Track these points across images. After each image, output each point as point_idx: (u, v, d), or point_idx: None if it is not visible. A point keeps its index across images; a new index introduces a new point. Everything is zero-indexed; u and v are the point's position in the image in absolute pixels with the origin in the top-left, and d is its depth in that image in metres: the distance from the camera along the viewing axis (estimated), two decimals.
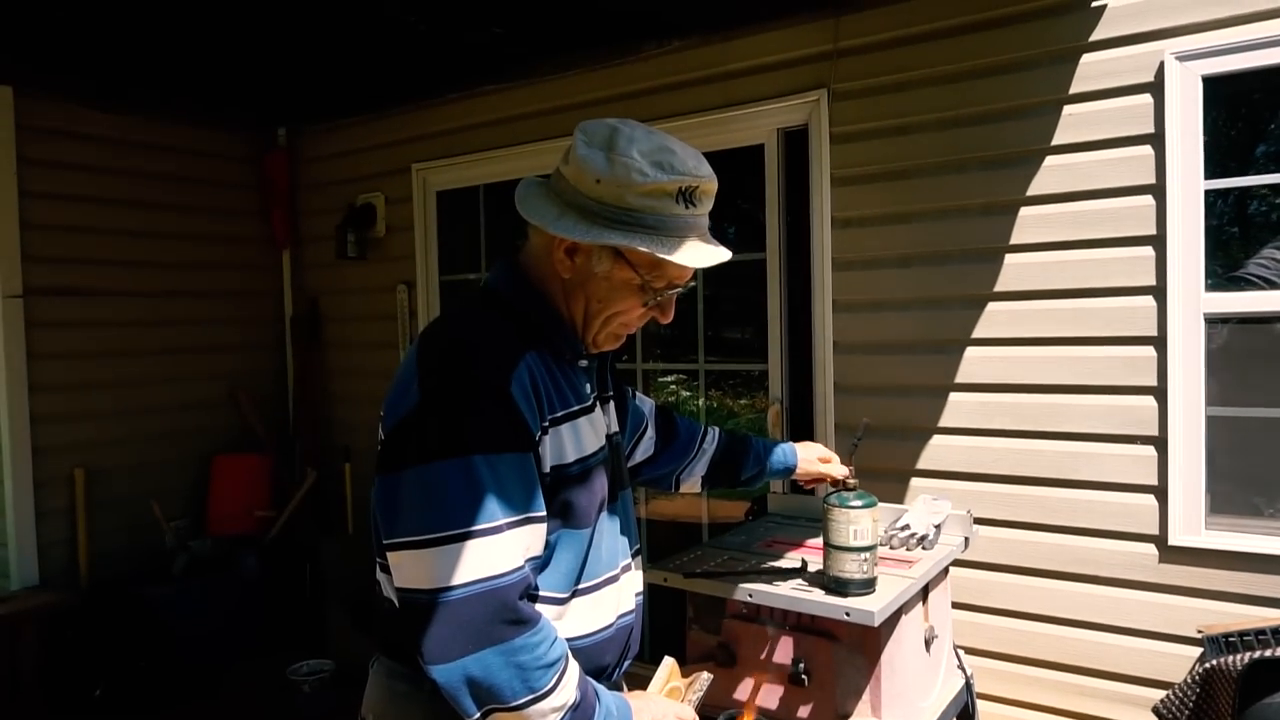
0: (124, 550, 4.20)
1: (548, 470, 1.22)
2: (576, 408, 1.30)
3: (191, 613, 3.89)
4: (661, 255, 1.21)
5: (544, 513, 1.20)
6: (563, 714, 1.14)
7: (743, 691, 2.02)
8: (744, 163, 3.31)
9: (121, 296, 4.28)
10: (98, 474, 4.16)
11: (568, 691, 1.15)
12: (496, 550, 1.12)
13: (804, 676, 1.94)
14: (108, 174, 4.21)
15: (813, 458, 1.94)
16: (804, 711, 1.96)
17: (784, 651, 1.98)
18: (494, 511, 1.12)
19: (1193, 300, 2.56)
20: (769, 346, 3.31)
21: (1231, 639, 2.39)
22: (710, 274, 1.34)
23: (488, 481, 1.12)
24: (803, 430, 3.25)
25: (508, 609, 1.12)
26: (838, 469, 1.90)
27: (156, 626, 3.75)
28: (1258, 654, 2.22)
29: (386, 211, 4.49)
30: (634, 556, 1.43)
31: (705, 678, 1.46)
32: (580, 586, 1.28)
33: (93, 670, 3.65)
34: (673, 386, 4.04)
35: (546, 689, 1.12)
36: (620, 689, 1.38)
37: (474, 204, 4.27)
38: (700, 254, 1.24)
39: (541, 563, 1.22)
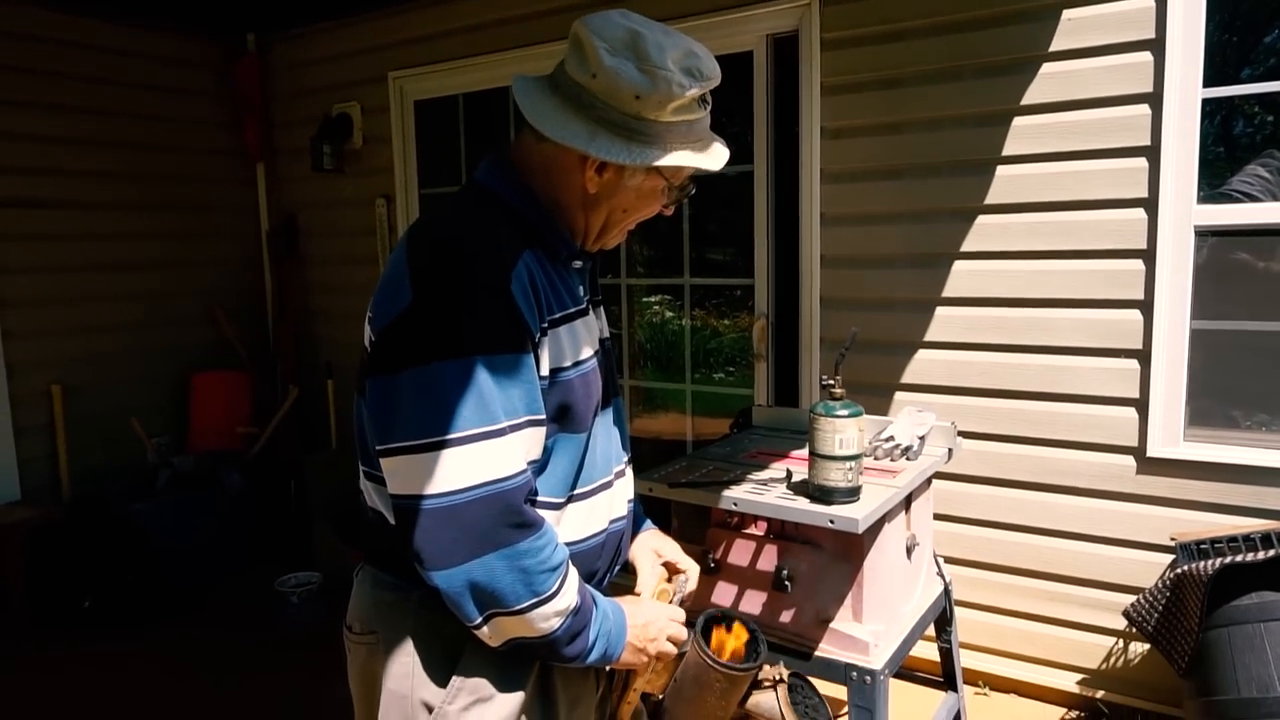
0: (105, 466, 4.18)
1: (546, 373, 1.18)
2: (573, 309, 1.26)
3: (176, 527, 3.90)
4: (704, 167, 1.22)
5: (544, 415, 1.16)
6: (564, 618, 1.13)
7: (725, 597, 2.06)
8: (733, 71, 3.21)
9: (91, 210, 4.17)
10: (75, 390, 4.12)
11: (569, 595, 1.14)
12: (499, 453, 1.09)
13: (787, 583, 1.97)
14: (67, 79, 4.04)
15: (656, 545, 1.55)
16: (787, 617, 1.99)
17: (768, 559, 2.01)
18: (496, 413, 1.09)
19: (1184, 212, 2.54)
20: (755, 261, 3.26)
21: (1203, 546, 2.44)
22: (696, 188, 1.31)
23: (488, 383, 1.08)
24: (789, 345, 3.24)
25: (512, 512, 1.10)
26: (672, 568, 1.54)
27: (141, 541, 3.76)
28: (1228, 559, 2.28)
29: (363, 122, 4.35)
30: (627, 463, 1.42)
31: (681, 578, 1.46)
32: (576, 492, 1.26)
33: (79, 584, 3.67)
34: (656, 307, 4.00)
35: (549, 593, 1.12)
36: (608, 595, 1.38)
37: (454, 114, 4.14)
38: (721, 153, 1.26)
39: (539, 467, 1.20)
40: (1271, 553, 2.23)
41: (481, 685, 1.19)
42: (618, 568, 1.41)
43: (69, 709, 3.02)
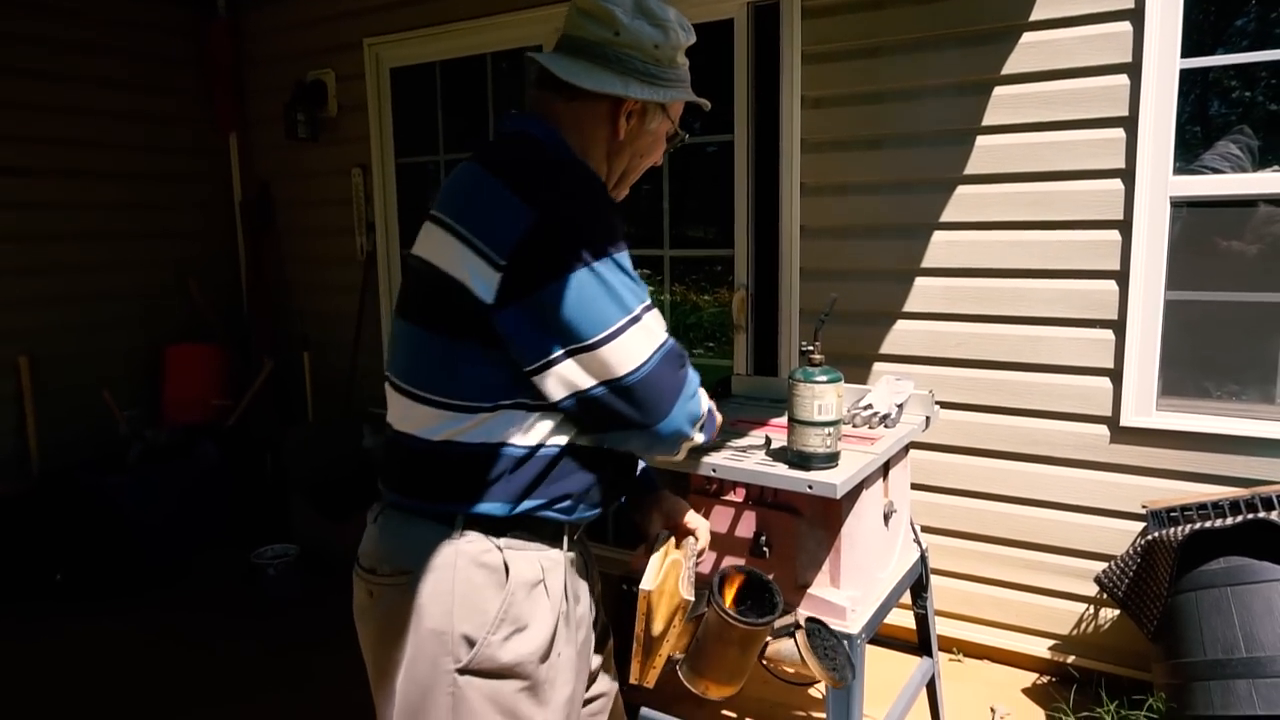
0: (76, 439, 4.13)
1: None
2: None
3: (149, 500, 3.86)
4: (702, 102, 1.47)
5: None
6: (704, 420, 1.35)
7: (703, 564, 2.06)
8: (713, 40, 3.18)
9: (58, 178, 4.08)
10: (44, 361, 4.05)
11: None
12: (654, 320, 1.28)
13: (765, 549, 1.98)
14: (31, 43, 3.94)
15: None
16: (780, 592, 2.00)
17: (746, 525, 2.01)
18: (640, 294, 1.27)
19: (1160, 183, 2.55)
20: (735, 232, 3.25)
21: (1174, 513, 2.48)
22: (677, 157, 1.52)
23: (628, 272, 1.26)
24: (768, 316, 3.24)
25: (680, 357, 1.31)
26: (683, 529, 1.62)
27: (114, 514, 3.72)
28: (1197, 526, 2.32)
29: (338, 90, 4.28)
30: None
31: (693, 542, 1.47)
32: None
33: (50, 558, 3.63)
34: None
35: (707, 408, 1.36)
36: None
37: (431, 83, 4.08)
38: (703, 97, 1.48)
39: None
40: (1240, 519, 2.27)
41: (520, 617, 1.28)
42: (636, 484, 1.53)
43: (45, 677, 2.99)
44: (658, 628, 1.37)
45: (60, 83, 4.06)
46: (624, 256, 1.26)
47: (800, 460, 1.84)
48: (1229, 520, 2.29)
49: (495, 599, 1.26)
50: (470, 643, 1.26)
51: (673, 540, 1.49)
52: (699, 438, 1.34)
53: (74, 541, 3.68)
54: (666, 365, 1.27)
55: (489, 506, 1.26)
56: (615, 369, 1.22)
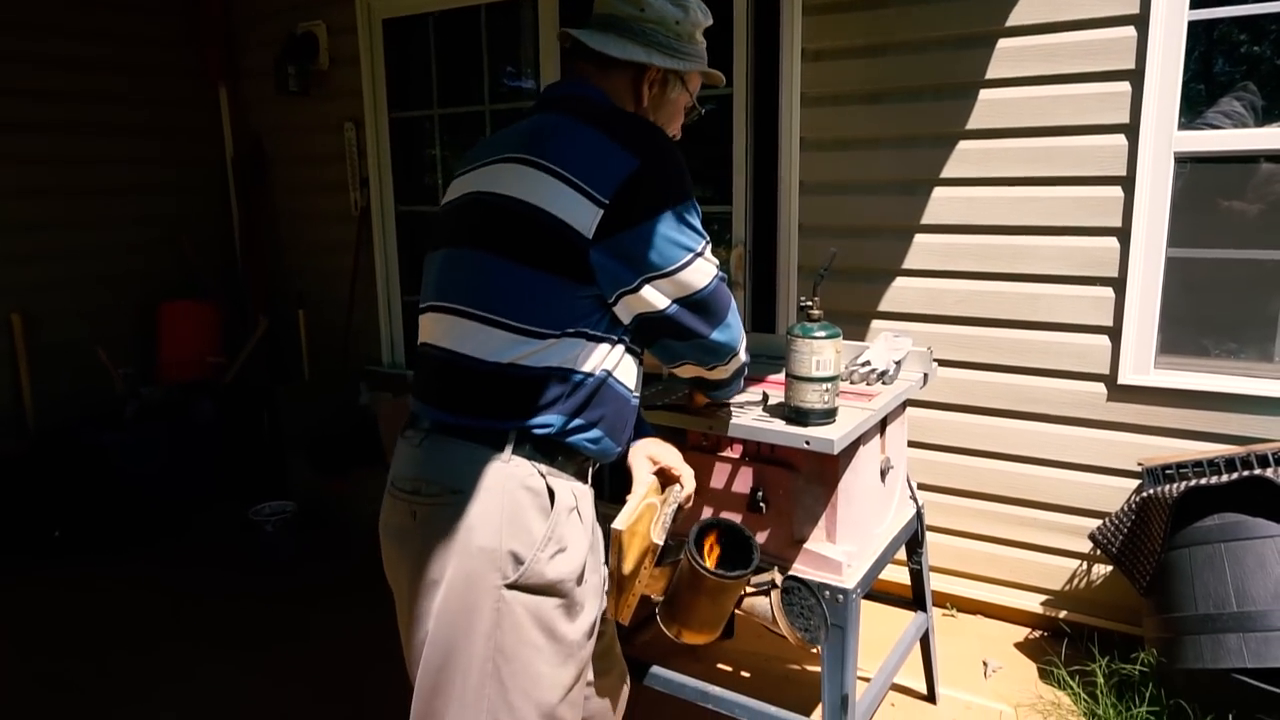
0: (71, 398, 4.12)
1: None
2: None
3: (147, 458, 3.87)
4: (716, 74, 1.65)
5: None
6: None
7: (700, 519, 2.06)
8: None
9: (48, 132, 4.02)
10: (37, 319, 4.02)
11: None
12: (712, 254, 1.48)
13: (762, 505, 1.98)
14: None
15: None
16: (761, 538, 2.01)
17: (743, 481, 2.01)
18: (704, 233, 1.47)
19: (1165, 138, 2.52)
20: (733, 187, 3.22)
21: (1169, 470, 2.49)
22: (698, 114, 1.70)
23: (699, 214, 1.47)
24: (766, 273, 3.21)
25: (728, 286, 1.52)
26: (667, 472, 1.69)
27: (111, 471, 3.73)
28: (1192, 483, 2.33)
29: (329, 42, 4.20)
30: None
31: (677, 489, 1.52)
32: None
33: (48, 514, 3.64)
34: None
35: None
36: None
37: (424, 35, 4.00)
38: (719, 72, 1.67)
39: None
40: (1235, 476, 2.28)
41: (563, 538, 1.38)
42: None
43: (46, 630, 3.02)
44: (627, 567, 1.43)
45: (46, 34, 3.97)
46: (695, 202, 1.45)
47: (798, 416, 1.83)
48: (1224, 477, 2.30)
49: (541, 520, 1.36)
50: (519, 560, 1.34)
51: (656, 484, 1.55)
52: (743, 356, 1.59)
53: (72, 499, 3.68)
54: (723, 286, 1.49)
55: (543, 422, 1.37)
56: (691, 287, 1.42)
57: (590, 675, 1.63)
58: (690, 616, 1.40)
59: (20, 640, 3.00)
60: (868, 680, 2.19)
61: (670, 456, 1.63)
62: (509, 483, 1.36)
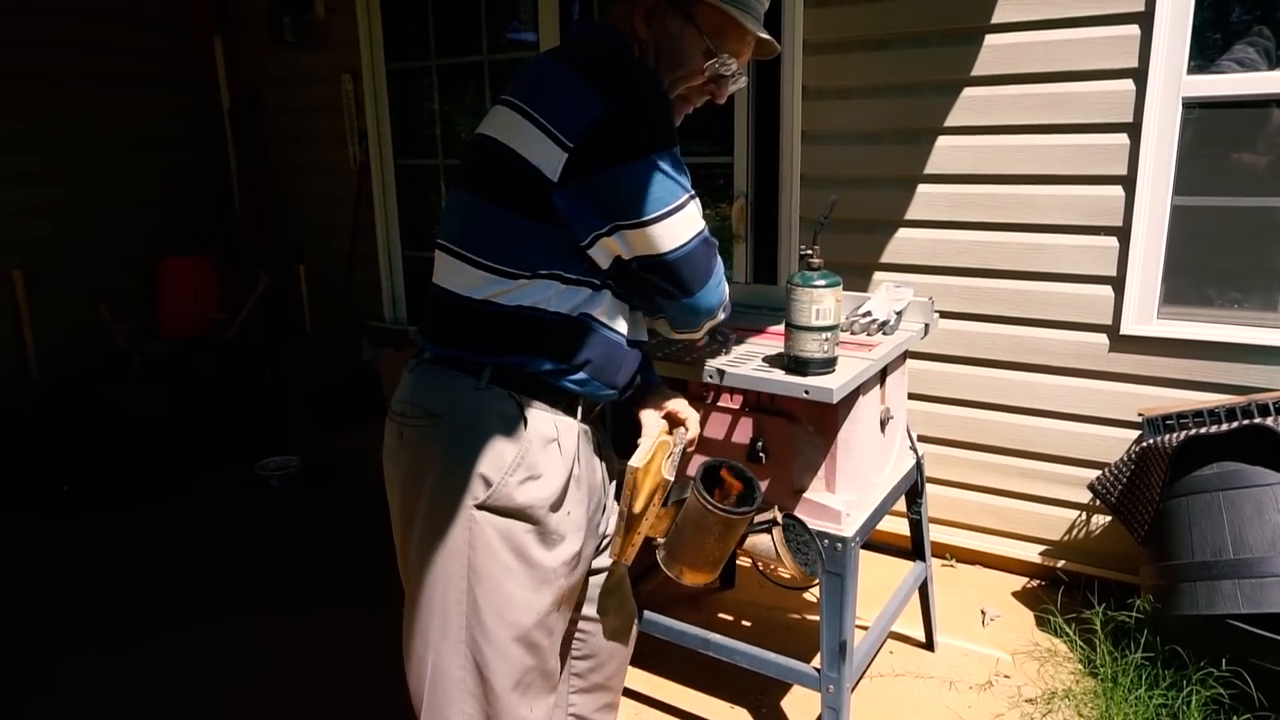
0: (74, 353, 4.13)
1: None
2: None
3: (152, 413, 3.88)
4: (722, 5, 1.42)
5: None
6: (726, 304, 1.55)
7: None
8: None
9: (42, 85, 3.96)
10: (38, 275, 4.01)
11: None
12: (697, 208, 1.42)
13: (762, 454, 1.98)
14: None
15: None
16: (761, 488, 2.02)
17: (743, 431, 2.02)
18: (687, 185, 1.40)
19: (1173, 83, 2.47)
20: (735, 137, 3.18)
21: (1169, 420, 2.49)
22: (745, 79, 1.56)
23: (678, 165, 1.38)
24: (768, 225, 3.19)
25: (713, 244, 1.45)
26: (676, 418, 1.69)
27: (117, 427, 3.75)
28: (1192, 432, 2.33)
29: None
30: None
31: (681, 430, 1.57)
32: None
33: (56, 470, 3.67)
34: None
35: (727, 294, 1.54)
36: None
37: None
38: (762, 32, 1.49)
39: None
40: (1235, 425, 2.28)
41: (535, 465, 1.40)
42: (639, 381, 1.59)
43: (56, 586, 3.06)
44: (639, 505, 1.46)
45: None
46: (676, 150, 1.38)
47: (797, 365, 1.83)
48: (1224, 426, 2.30)
49: (512, 446, 1.39)
50: (487, 482, 1.38)
51: (665, 426, 1.59)
52: (721, 315, 1.53)
53: (79, 454, 3.70)
54: (703, 249, 1.42)
55: (519, 360, 1.39)
56: (658, 247, 1.37)
57: (590, 610, 1.69)
58: (695, 555, 1.44)
59: (37, 603, 3.04)
60: (866, 628, 2.21)
61: (676, 402, 1.66)
62: (481, 407, 1.40)
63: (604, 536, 1.67)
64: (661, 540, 1.52)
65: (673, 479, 1.49)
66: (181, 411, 3.99)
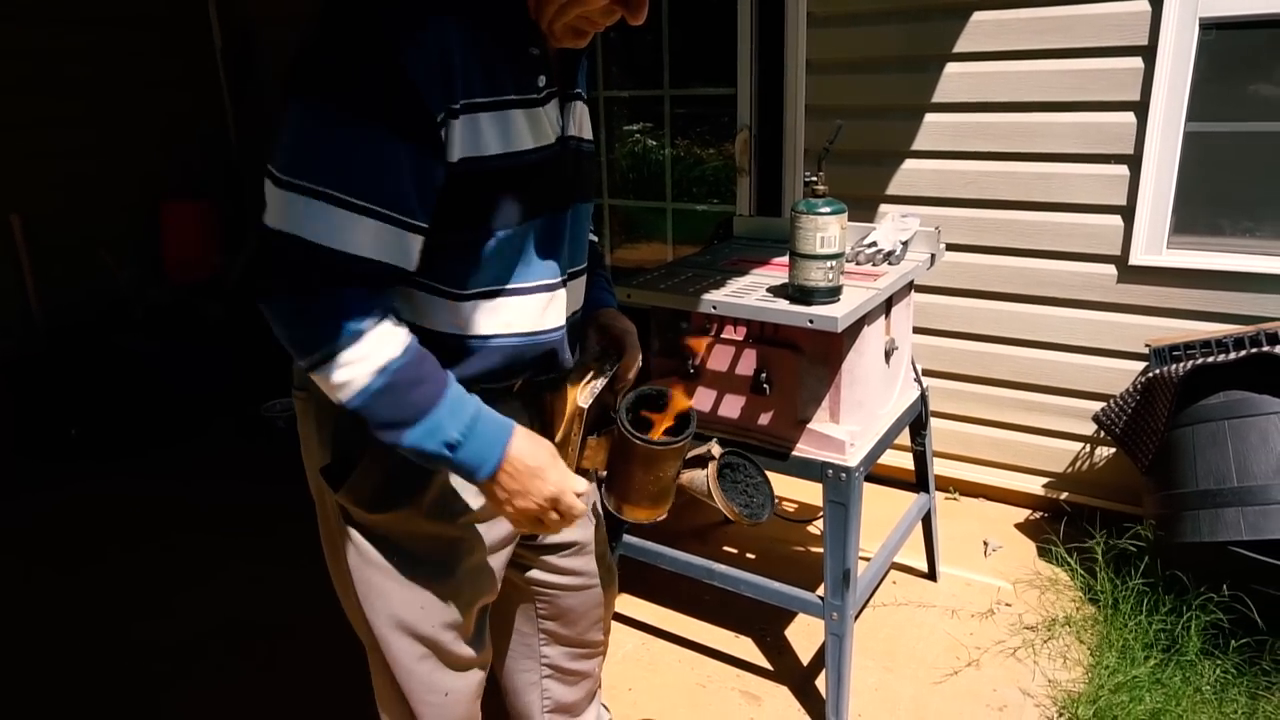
0: (78, 299, 4.11)
1: (456, 159, 1.08)
2: (513, 97, 1.14)
3: (159, 357, 3.88)
4: None
5: (412, 218, 1.06)
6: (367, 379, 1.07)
7: (704, 402, 2.07)
8: None
9: (18, 24, 3.87)
10: (37, 220, 3.98)
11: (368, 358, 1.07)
12: (329, 219, 1.01)
13: (766, 386, 1.98)
14: None
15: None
16: (765, 419, 2.02)
17: (747, 363, 2.01)
18: (343, 181, 1.01)
19: (1190, 2, 2.40)
20: (738, 68, 3.11)
21: (1176, 351, 2.48)
22: None
23: (349, 150, 1.01)
24: (772, 158, 3.13)
25: (346, 277, 1.05)
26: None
27: (125, 371, 3.75)
28: (1199, 361, 2.31)
29: None
30: (573, 276, 1.33)
31: (613, 356, 1.42)
32: (493, 288, 1.19)
33: (64, 415, 3.68)
34: (637, 136, 3.84)
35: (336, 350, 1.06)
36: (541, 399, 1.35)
37: None
38: None
39: (454, 255, 1.15)
40: (1242, 354, 2.26)
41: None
42: (549, 376, 1.34)
43: (78, 528, 3.11)
44: (557, 435, 1.34)
45: None
46: (372, 134, 1.00)
47: (801, 295, 1.81)
48: (1232, 355, 2.28)
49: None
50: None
51: (597, 352, 1.43)
52: (330, 376, 1.05)
53: (87, 399, 3.72)
54: (300, 248, 1.01)
55: None
56: (266, 212, 1.04)
57: (547, 576, 1.54)
58: (627, 488, 1.30)
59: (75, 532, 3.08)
60: (869, 559, 2.23)
61: (617, 327, 1.45)
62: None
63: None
64: (603, 474, 1.39)
65: (585, 406, 1.34)
66: (188, 356, 3.99)
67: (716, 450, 1.43)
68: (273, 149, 1.04)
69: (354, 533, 1.27)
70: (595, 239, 1.51)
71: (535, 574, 1.55)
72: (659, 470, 1.30)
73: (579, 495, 1.19)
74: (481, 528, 1.32)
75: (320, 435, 1.26)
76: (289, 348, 1.09)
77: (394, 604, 1.29)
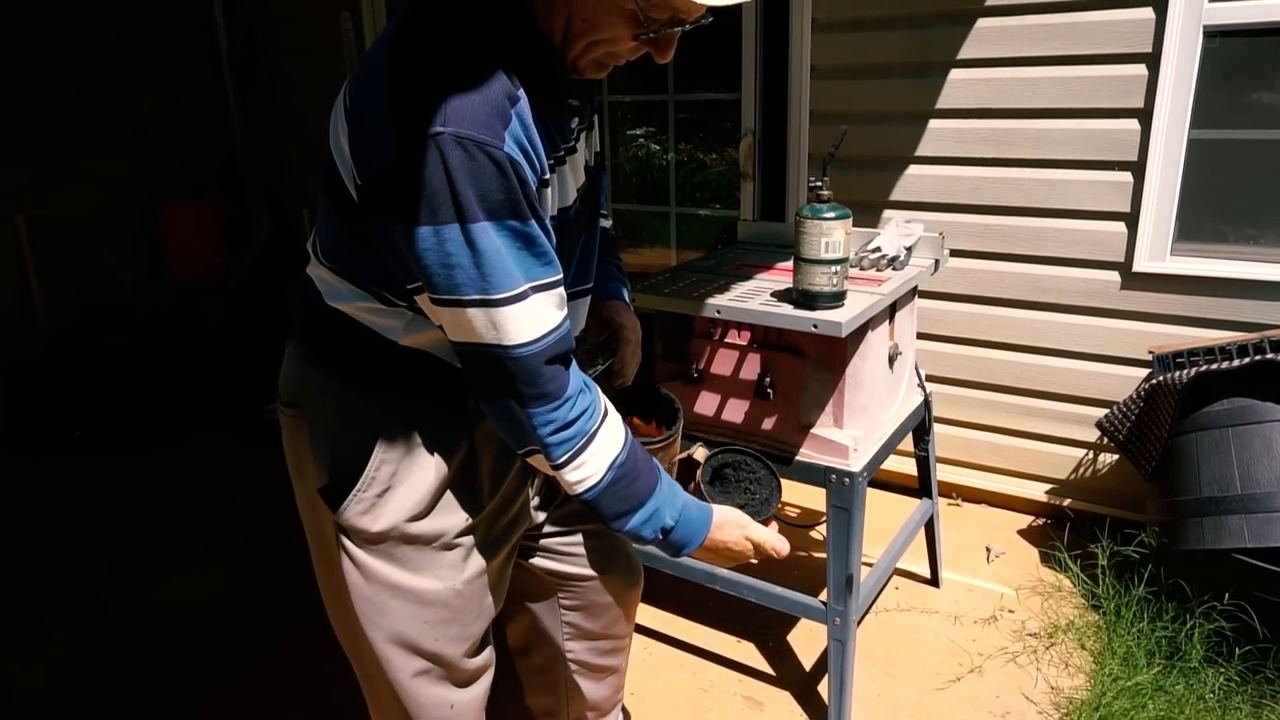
0: (81, 300, 4.12)
1: None
2: (562, 150, 1.13)
3: (160, 358, 3.89)
4: None
5: (551, 278, 1.07)
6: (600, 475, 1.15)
7: (708, 406, 2.07)
8: None
9: (24, 24, 3.88)
10: (41, 221, 3.99)
11: (594, 460, 1.14)
12: (502, 318, 1.04)
13: (769, 390, 1.98)
14: None
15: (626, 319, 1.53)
16: (769, 424, 2.02)
17: (751, 367, 2.01)
18: (491, 266, 1.01)
19: (1194, 10, 2.40)
20: (743, 73, 3.11)
21: (1180, 358, 2.47)
22: (687, 31, 1.15)
23: (485, 253, 1.00)
24: (776, 164, 3.14)
25: (524, 377, 1.08)
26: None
27: (127, 371, 3.76)
28: (1202, 368, 2.31)
29: None
30: (575, 297, 1.31)
31: (607, 354, 1.43)
32: None
33: (66, 415, 3.69)
34: (642, 140, 3.85)
35: (564, 457, 1.13)
36: None
37: None
38: None
39: None
40: (1246, 361, 2.26)
41: (390, 475, 1.21)
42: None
43: (82, 533, 3.11)
44: None
45: None
46: (502, 229, 0.99)
47: (806, 300, 1.81)
48: (1235, 362, 2.28)
49: (368, 448, 1.20)
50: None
51: (596, 344, 1.45)
52: (570, 474, 1.12)
53: (91, 399, 3.72)
54: (492, 365, 1.06)
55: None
56: (462, 326, 1.05)
57: (575, 569, 1.54)
58: None
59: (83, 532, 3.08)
60: (872, 565, 2.23)
61: (619, 320, 1.46)
62: (343, 399, 1.25)
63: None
64: None
65: None
66: (190, 357, 3.99)
67: (701, 455, 1.42)
68: (437, 282, 1.01)
69: (354, 550, 1.24)
70: (608, 224, 1.51)
71: (547, 563, 1.52)
72: None
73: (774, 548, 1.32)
74: (480, 533, 1.31)
75: (316, 455, 1.25)
76: (513, 440, 1.14)
77: (397, 621, 1.27)
